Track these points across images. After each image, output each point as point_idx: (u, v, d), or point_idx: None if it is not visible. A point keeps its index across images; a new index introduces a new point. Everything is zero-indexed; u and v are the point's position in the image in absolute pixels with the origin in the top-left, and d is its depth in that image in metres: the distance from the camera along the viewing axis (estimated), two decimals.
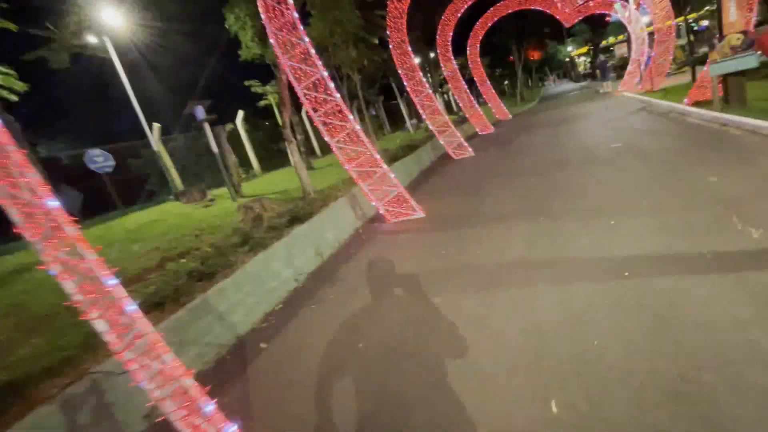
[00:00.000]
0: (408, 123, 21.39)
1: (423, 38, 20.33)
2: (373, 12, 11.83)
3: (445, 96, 31.29)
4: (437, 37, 16.71)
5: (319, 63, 6.23)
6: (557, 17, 20.46)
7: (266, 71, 10.23)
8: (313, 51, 6.22)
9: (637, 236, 3.66)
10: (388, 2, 11.15)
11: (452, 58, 17.39)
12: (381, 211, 6.73)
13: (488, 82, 21.98)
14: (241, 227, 5.96)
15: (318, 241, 5.74)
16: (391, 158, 10.58)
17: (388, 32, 11.00)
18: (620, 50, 41.25)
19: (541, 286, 3.28)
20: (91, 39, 9.99)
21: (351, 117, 6.36)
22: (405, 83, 11.98)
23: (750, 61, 7.18)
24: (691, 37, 17.97)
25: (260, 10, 6.09)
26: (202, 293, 3.99)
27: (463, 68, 23.76)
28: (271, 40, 6.18)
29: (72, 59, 11.18)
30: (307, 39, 6.21)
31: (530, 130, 13.99)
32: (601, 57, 35.17)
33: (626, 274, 3.09)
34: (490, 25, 19.99)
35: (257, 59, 9.73)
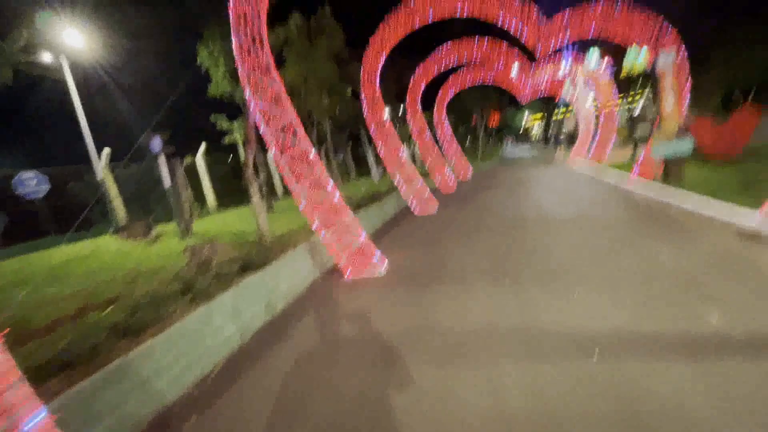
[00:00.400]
0: (373, 171, 21.73)
1: (394, 93, 21.32)
2: (348, 65, 12.24)
3: (412, 149, 32.57)
4: (408, 93, 17.58)
5: (290, 107, 6.13)
6: (515, 94, 22.40)
7: (234, 108, 10.10)
8: (285, 95, 6.14)
9: (603, 310, 3.61)
10: (363, 59, 11.63)
11: (421, 114, 18.24)
12: (341, 263, 6.41)
13: (452, 139, 23.15)
14: (185, 272, 5.39)
15: (271, 293, 5.27)
16: (355, 206, 10.43)
17: (361, 85, 11.35)
18: (569, 123, 45.56)
19: (508, 364, 3.07)
20: (46, 57, 9.44)
21: (318, 164, 6.20)
22: (374, 134, 12.21)
23: (686, 146, 7.97)
24: (631, 117, 20.19)
25: (235, 50, 6.00)
26: (125, 352, 3.39)
27: (430, 124, 25.01)
28: (243, 81, 6.04)
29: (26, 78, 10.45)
30: (279, 83, 6.14)
31: (492, 189, 14.56)
32: (555, 127, 38.54)
33: (595, 356, 2.97)
34: (456, 89, 21.44)
35: (226, 97, 9.57)
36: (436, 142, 22.25)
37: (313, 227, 6.37)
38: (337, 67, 9.31)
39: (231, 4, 5.88)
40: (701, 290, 3.67)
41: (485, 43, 16.40)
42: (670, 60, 7.89)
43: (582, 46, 21.54)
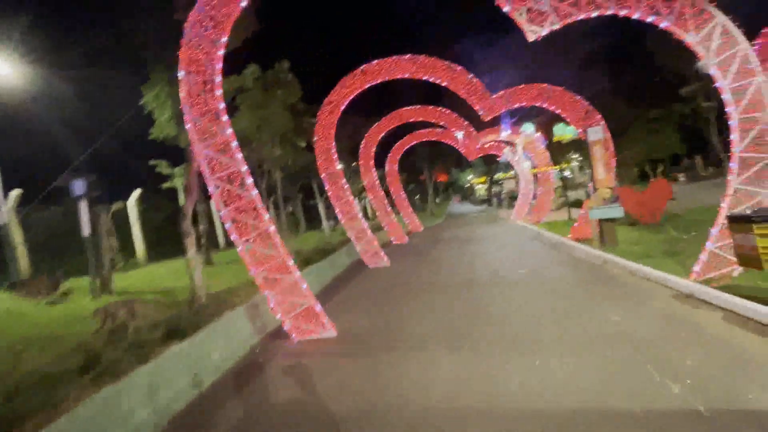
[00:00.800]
0: (325, 224, 21.34)
1: (348, 149, 21.76)
2: (303, 117, 12.29)
3: (363, 202, 32.84)
4: (361, 149, 17.96)
5: (239, 156, 5.77)
6: (462, 152, 23.92)
7: (177, 153, 9.49)
8: (234, 143, 5.80)
9: (568, 382, 3.42)
10: (318, 114, 11.76)
11: (373, 169, 18.60)
12: (286, 327, 5.77)
13: (403, 195, 23.73)
14: (92, 341, 4.47)
15: (199, 365, 4.49)
16: (304, 261, 9.89)
17: (315, 138, 11.35)
18: (509, 184, 49.22)
19: None
20: None
21: (266, 216, 5.77)
22: (327, 186, 12.04)
23: (617, 211, 8.65)
24: (562, 181, 22.22)
25: (182, 95, 5.66)
26: None
27: (382, 180, 25.61)
28: (188, 126, 5.65)
29: None
30: (229, 131, 5.82)
31: (442, 245, 14.73)
32: (497, 188, 41.31)
33: None
34: (408, 147, 22.41)
35: (170, 141, 8.99)
36: (388, 196, 22.69)
37: (257, 285, 5.77)
38: (292, 118, 9.24)
39: (182, 48, 5.64)
40: (658, 356, 3.65)
41: (436, 111, 17.55)
42: (599, 134, 8.81)
43: (520, 118, 23.92)
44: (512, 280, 7.51)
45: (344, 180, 12.05)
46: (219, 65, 5.87)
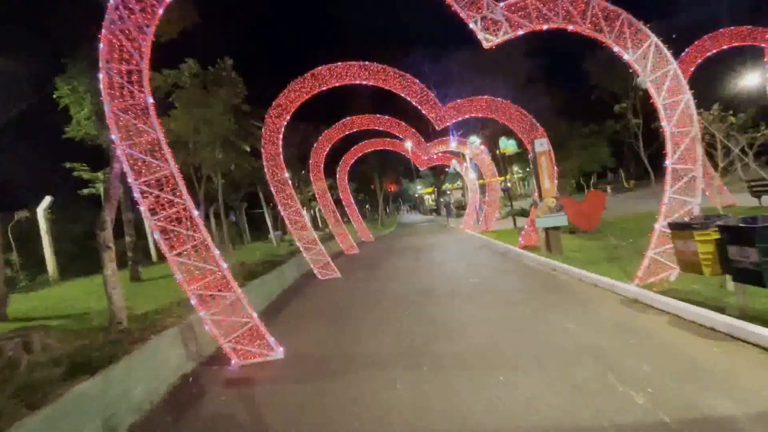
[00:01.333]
0: (272, 234, 20.28)
1: (297, 155, 21.01)
2: (249, 120, 11.53)
3: (312, 212, 31.94)
4: (311, 157, 17.38)
5: (170, 158, 5.08)
6: (413, 161, 24.20)
7: (100, 155, 8.26)
8: (165, 143, 5.10)
9: (531, 399, 3.24)
10: (265, 116, 11.11)
11: (323, 177, 18.07)
12: (226, 350, 5.11)
13: (354, 204, 23.38)
14: None
15: (115, 405, 3.74)
16: (249, 275, 9.12)
17: (262, 142, 10.67)
18: (456, 194, 50.85)
19: None
20: None
21: (202, 226, 5.11)
22: (275, 195, 11.36)
23: (561, 219, 9.00)
24: (506, 192, 23.25)
25: (102, 85, 4.88)
26: None
27: (332, 188, 25.12)
28: (109, 121, 4.87)
29: None
30: (160, 128, 5.12)
31: (394, 255, 14.53)
32: (446, 198, 42.40)
33: None
34: (358, 156, 22.17)
35: (88, 140, 7.85)
36: (338, 205, 22.22)
37: (192, 303, 5.06)
38: (235, 120, 8.52)
39: (103, 31, 4.89)
40: (616, 365, 3.62)
41: (388, 120, 17.52)
42: (545, 146, 9.18)
43: (466, 131, 24.77)
44: (466, 290, 7.43)
45: (291, 188, 11.44)
46: (147, 54, 5.17)
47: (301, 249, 11.51)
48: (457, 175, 40.69)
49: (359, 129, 17.29)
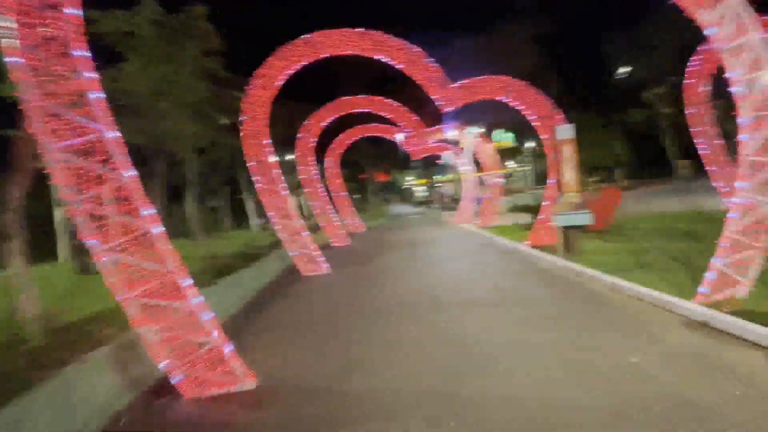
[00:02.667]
0: (253, 222, 18.79)
1: (283, 137, 19.44)
2: (227, 89, 10.03)
3: (300, 200, 30.40)
4: (298, 139, 15.91)
5: (108, 119, 3.69)
6: (407, 151, 22.88)
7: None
8: (100, 99, 3.69)
9: None
10: (249, 89, 9.63)
11: (312, 162, 16.65)
12: (176, 379, 3.82)
13: (344, 192, 22.02)
14: None
15: None
16: (221, 270, 7.79)
17: (242, 117, 9.25)
18: (449, 187, 49.85)
19: None
20: None
21: (147, 211, 3.76)
22: (256, 178, 9.95)
23: (584, 218, 7.89)
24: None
25: (3, 7, 3.45)
26: None
27: (321, 175, 23.68)
28: (13, 59, 3.45)
29: None
30: (92, 77, 3.71)
31: (388, 249, 13.30)
32: (440, 189, 41.27)
33: None
34: (350, 141, 20.73)
35: None
36: (328, 193, 20.86)
37: (129, 316, 3.74)
38: (210, 86, 7.06)
39: None
40: (705, 417, 2.49)
41: (384, 103, 16.14)
42: (569, 132, 8.02)
43: (461, 123, 23.49)
44: (482, 298, 6.26)
45: (277, 171, 10.05)
46: None
47: (285, 240, 10.17)
48: (448, 168, 39.58)
49: (352, 111, 15.90)
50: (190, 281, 3.88)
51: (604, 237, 9.94)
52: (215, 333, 3.86)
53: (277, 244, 11.81)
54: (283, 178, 10.12)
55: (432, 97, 9.86)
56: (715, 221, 10.59)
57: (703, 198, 16.61)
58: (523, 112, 10.32)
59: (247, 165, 9.76)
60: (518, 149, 36.46)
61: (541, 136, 10.48)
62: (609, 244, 9.12)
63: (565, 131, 8.07)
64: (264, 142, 9.76)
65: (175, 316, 3.80)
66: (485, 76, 10.03)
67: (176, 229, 17.67)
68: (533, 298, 5.97)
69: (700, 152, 12.41)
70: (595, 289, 6.04)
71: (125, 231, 3.70)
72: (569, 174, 8.09)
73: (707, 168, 12.39)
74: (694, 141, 12.42)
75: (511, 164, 38.37)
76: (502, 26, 24.55)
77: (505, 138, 36.13)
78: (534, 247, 9.75)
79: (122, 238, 3.69)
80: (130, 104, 5.90)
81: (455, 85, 9.93)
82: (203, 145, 8.42)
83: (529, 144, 31.95)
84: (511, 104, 10.22)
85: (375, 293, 7.28)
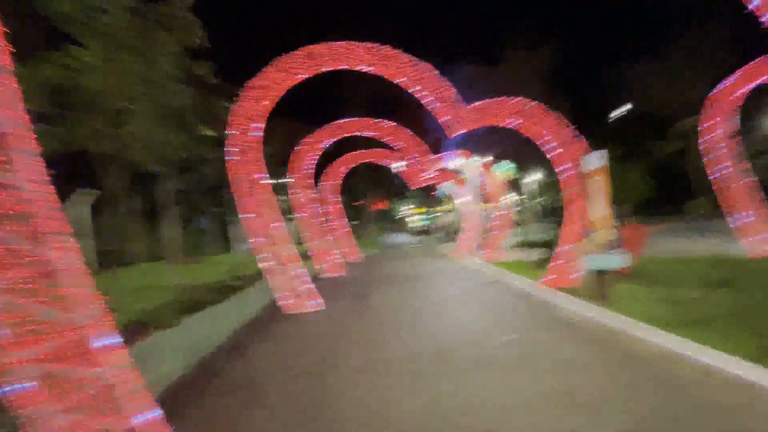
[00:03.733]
0: (240, 247, 17.53)
1: (279, 159, 18.54)
2: (215, 97, 9.11)
3: (293, 224, 29.22)
4: (296, 160, 14.99)
5: (16, 104, 2.62)
6: (406, 180, 22.02)
7: None
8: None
9: None
10: (241, 100, 8.73)
11: (309, 185, 15.67)
12: None
13: (341, 219, 20.93)
14: None
15: None
16: (193, 303, 6.53)
17: (228, 127, 8.30)
18: (446, 217, 48.97)
19: None
20: None
21: (60, 237, 2.62)
22: (237, 198, 8.85)
23: (619, 260, 6.79)
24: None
25: None
26: None
27: (319, 200, 22.67)
28: None
29: None
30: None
31: (386, 284, 12.05)
32: (440, 220, 40.23)
33: None
34: (350, 166, 19.87)
35: None
36: (324, 219, 19.78)
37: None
38: (194, 91, 6.10)
39: None
40: None
41: (387, 127, 15.36)
42: (602, 160, 7.07)
43: (467, 150, 22.81)
44: (499, 357, 5.03)
45: (268, 192, 8.98)
46: None
47: (272, 270, 8.94)
48: (447, 197, 38.77)
49: (352, 134, 15.07)
50: (113, 339, 2.68)
51: (629, 281, 8.81)
52: (134, 420, 2.61)
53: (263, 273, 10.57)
54: (274, 201, 9.06)
55: (442, 119, 8.97)
56: (747, 269, 9.65)
57: (716, 240, 15.76)
58: (540, 140, 9.40)
59: (231, 181, 8.69)
60: (519, 181, 35.84)
61: (559, 167, 9.53)
62: (642, 289, 7.97)
63: (596, 159, 7.11)
64: (256, 157, 8.75)
65: (81, 393, 2.57)
66: (500, 98, 9.20)
67: (155, 252, 16.40)
68: (566, 359, 4.74)
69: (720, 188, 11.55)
70: (651, 360, 4.81)
71: (21, 263, 2.54)
72: (600, 209, 7.05)
73: (726, 208, 11.49)
74: (713, 177, 11.58)
75: (513, 196, 37.66)
76: (512, 53, 24.30)
77: (508, 169, 35.59)
78: (554, 288, 8.58)
79: (16, 274, 2.53)
80: (84, 101, 4.85)
81: (469, 107, 9.08)
82: (179, 157, 7.39)
83: (531, 176, 31.34)
84: (523, 132, 9.34)
85: (375, 340, 6.03)
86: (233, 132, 8.59)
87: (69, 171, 13.20)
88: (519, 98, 9.18)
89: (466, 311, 7.71)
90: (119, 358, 2.67)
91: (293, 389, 4.39)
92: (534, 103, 9.12)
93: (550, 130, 9.04)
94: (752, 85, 10.82)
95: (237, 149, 8.76)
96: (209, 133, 7.52)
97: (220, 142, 8.62)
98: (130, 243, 18.41)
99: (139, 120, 5.32)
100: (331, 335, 6.60)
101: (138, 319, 5.68)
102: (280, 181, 21.44)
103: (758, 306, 6.25)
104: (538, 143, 9.59)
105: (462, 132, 9.28)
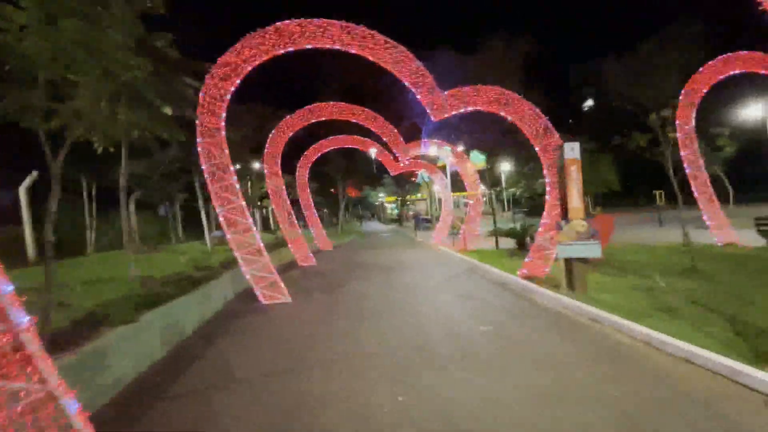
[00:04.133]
0: (207, 235, 16.76)
1: (247, 141, 17.67)
2: (179, 74, 8.40)
3: (265, 212, 28.31)
4: (267, 147, 14.33)
5: None
6: (387, 166, 21.71)
7: None
8: None
9: None
10: (206, 77, 8.09)
11: (279, 172, 15.06)
12: None
13: (313, 207, 20.42)
14: None
15: None
16: (155, 297, 6.03)
17: (198, 110, 7.68)
18: (420, 206, 49.19)
19: None
20: None
21: None
22: (209, 184, 8.29)
23: (594, 249, 6.86)
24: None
25: None
26: None
27: (288, 186, 21.98)
28: None
29: None
30: None
31: (361, 273, 11.82)
32: (416, 209, 40.29)
33: None
34: (323, 152, 19.29)
35: None
36: (295, 206, 19.20)
37: None
38: (153, 69, 5.48)
39: None
40: None
41: (362, 112, 14.91)
42: (576, 153, 7.06)
43: (441, 139, 22.74)
44: (482, 350, 4.93)
45: (234, 178, 8.44)
46: None
47: (239, 259, 8.49)
48: (423, 185, 38.82)
49: (327, 119, 14.55)
50: (35, 347, 2.27)
51: (599, 270, 9.01)
52: None
53: (232, 262, 10.05)
54: (245, 187, 8.56)
55: (423, 103, 8.71)
56: (711, 257, 10.14)
57: (672, 230, 16.58)
58: (519, 126, 9.33)
59: (202, 168, 8.10)
60: (489, 171, 36.34)
61: (533, 158, 9.54)
62: (608, 278, 8.15)
63: (572, 150, 7.10)
64: (220, 140, 8.18)
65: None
66: (478, 86, 9.02)
67: (116, 241, 15.35)
68: (548, 353, 4.70)
69: (691, 182, 12.04)
70: (620, 342, 4.87)
71: None
72: (576, 198, 7.07)
73: (698, 198, 12.01)
74: (686, 171, 12.04)
75: (484, 187, 38.19)
76: (487, 43, 24.24)
77: (479, 159, 36.03)
78: (528, 278, 8.64)
79: None
80: (16, 69, 4.21)
81: (448, 92, 8.85)
82: (134, 137, 6.72)
83: (502, 167, 31.77)
84: (507, 118, 9.23)
85: (348, 335, 5.78)
86: (201, 112, 7.97)
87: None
88: (497, 87, 9.03)
89: (442, 302, 7.59)
90: (45, 369, 2.27)
91: (260, 393, 4.09)
92: (510, 92, 9.00)
93: (525, 119, 8.97)
94: (721, 77, 11.23)
95: (203, 131, 8.15)
96: (168, 111, 6.86)
97: (188, 124, 7.96)
98: (84, 231, 17.08)
99: (84, 93, 4.71)
100: (300, 331, 6.30)
101: (90, 313, 5.17)
102: (250, 166, 20.57)
103: (717, 294, 6.50)
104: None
105: (443, 118, 9.06)
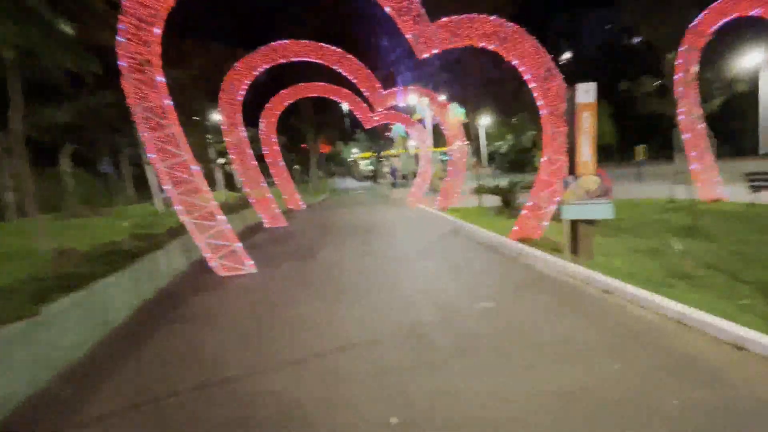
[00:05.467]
0: (156, 197, 14.92)
1: (201, 85, 15.34)
2: None
3: (227, 168, 26.05)
4: (221, 91, 12.35)
5: None
6: (359, 117, 19.95)
7: None
8: None
9: None
10: None
11: (241, 124, 13.20)
12: None
13: (282, 163, 18.69)
14: None
15: None
16: (78, 275, 4.70)
17: (118, 38, 5.90)
18: (399, 160, 47.63)
19: None
20: None
21: None
22: (141, 132, 6.67)
23: (606, 210, 5.99)
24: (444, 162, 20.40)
25: None
26: None
27: (254, 141, 19.98)
28: None
29: None
30: None
31: (335, 236, 10.71)
32: (392, 165, 38.73)
33: None
34: (290, 101, 17.28)
35: None
36: (261, 163, 17.45)
37: None
38: None
39: None
40: None
41: (332, 53, 13.01)
42: (590, 96, 5.95)
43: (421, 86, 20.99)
44: (484, 333, 4.04)
45: (176, 127, 6.84)
46: None
47: (190, 227, 7.13)
48: (399, 141, 37.15)
49: (294, 59, 12.60)
50: None
51: (598, 230, 8.31)
52: None
53: (184, 227, 8.64)
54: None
55: (406, 35, 7.21)
56: (703, 214, 9.65)
57: (656, 186, 16.32)
58: (519, 67, 8.04)
59: (131, 107, 6.43)
60: (471, 124, 35.08)
61: (534, 104, 8.37)
62: (610, 240, 7.46)
63: (586, 92, 5.98)
64: (152, 79, 6.46)
65: None
66: (473, 15, 7.55)
67: (47, 203, 13.34)
68: (566, 337, 3.85)
69: (683, 136, 11.39)
70: (653, 324, 4.08)
71: None
72: (587, 150, 6.07)
73: (689, 154, 11.43)
74: (678, 123, 11.34)
75: (465, 141, 37.07)
76: None
77: (459, 112, 34.58)
78: (521, 241, 7.82)
79: None
80: None
81: (438, 23, 7.36)
82: (7, 57, 5.00)
83: (484, 120, 30.57)
84: (505, 56, 7.90)
85: (323, 314, 4.76)
86: (121, 39, 6.16)
87: None
88: (495, 17, 7.60)
89: (430, 270, 6.66)
90: None
91: (203, 407, 3.03)
92: (511, 24, 7.61)
93: (526, 58, 7.69)
94: (726, 19, 10.22)
95: (129, 65, 6.38)
96: (67, 29, 5.14)
97: (106, 51, 6.17)
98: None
99: None
100: (265, 314, 5.21)
101: None
102: (211, 117, 18.27)
103: (723, 255, 5.90)
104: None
105: (430, 54, 7.60)
